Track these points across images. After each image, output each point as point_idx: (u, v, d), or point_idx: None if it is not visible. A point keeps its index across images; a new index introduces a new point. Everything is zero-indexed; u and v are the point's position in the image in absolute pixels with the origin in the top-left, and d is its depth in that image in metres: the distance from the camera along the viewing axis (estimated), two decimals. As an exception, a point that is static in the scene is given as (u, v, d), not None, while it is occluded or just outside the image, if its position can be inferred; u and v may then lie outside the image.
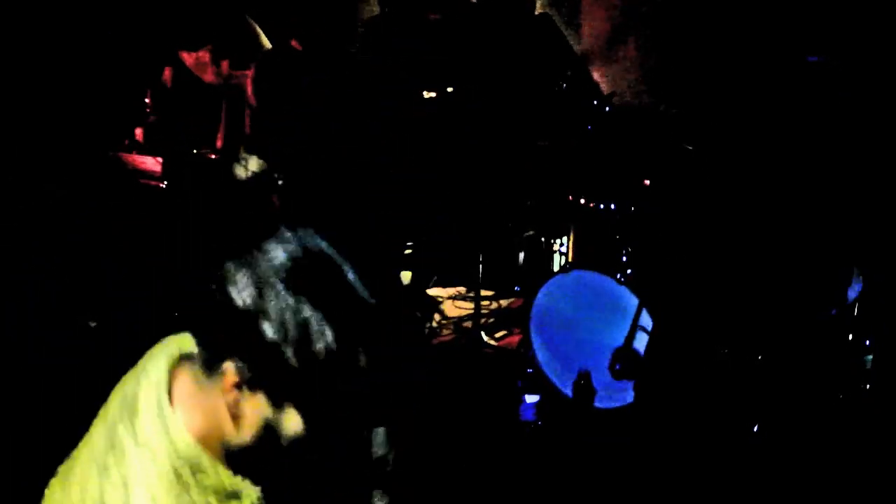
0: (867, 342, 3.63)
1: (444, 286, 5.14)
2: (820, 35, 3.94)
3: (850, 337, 3.62)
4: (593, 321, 3.88)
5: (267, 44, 4.33)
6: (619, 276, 3.81)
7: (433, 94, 4.64)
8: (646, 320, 3.72)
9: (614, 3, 4.66)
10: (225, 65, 4.22)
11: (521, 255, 5.02)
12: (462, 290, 5.09)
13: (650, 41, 4.63)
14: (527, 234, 4.93)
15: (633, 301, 3.73)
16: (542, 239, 4.73)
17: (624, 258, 3.94)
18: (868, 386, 3.59)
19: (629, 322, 3.73)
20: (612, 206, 4.08)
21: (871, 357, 3.60)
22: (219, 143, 4.29)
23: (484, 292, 4.70)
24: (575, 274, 3.95)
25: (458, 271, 5.02)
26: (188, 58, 4.27)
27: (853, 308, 3.63)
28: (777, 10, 4.12)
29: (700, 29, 4.38)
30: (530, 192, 4.71)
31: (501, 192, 4.80)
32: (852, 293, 3.56)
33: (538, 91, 4.54)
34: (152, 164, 4.12)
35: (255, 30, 4.37)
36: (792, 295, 3.59)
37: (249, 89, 4.01)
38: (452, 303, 4.98)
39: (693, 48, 4.43)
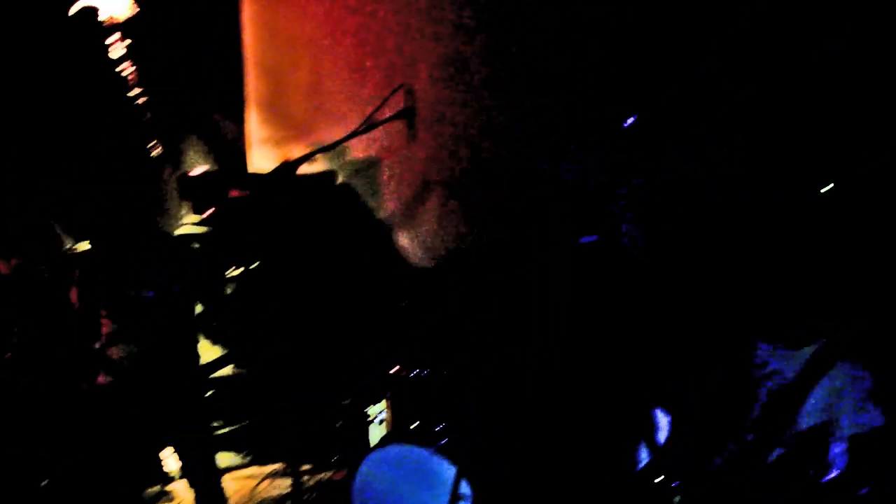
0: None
1: (262, 463, 4.95)
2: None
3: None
4: (413, 494, 3.83)
5: None
6: (436, 445, 3.81)
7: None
8: (464, 489, 3.72)
9: (414, 174, 4.85)
10: None
11: (339, 423, 4.92)
12: (280, 466, 4.91)
13: (452, 206, 4.83)
14: (344, 402, 4.86)
15: (451, 471, 3.72)
16: (360, 407, 4.68)
17: (440, 426, 3.95)
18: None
19: (448, 492, 3.72)
20: (426, 372, 4.12)
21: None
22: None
23: (303, 466, 4.56)
24: (392, 448, 3.91)
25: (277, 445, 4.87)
26: None
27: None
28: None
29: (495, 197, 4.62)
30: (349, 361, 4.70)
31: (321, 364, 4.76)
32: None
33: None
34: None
35: None
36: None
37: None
38: (270, 481, 4.78)
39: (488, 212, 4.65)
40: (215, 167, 5.26)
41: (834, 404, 2.72)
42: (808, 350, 2.84)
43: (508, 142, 4.60)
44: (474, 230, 4.66)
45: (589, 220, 4.22)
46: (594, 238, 4.31)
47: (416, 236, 4.86)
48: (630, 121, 4.38)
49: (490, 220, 4.60)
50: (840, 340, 2.82)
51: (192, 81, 5.21)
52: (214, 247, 4.97)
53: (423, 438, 3.89)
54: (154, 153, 5.14)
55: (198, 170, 5.17)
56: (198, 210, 4.91)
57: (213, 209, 4.78)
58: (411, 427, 4.19)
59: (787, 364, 2.86)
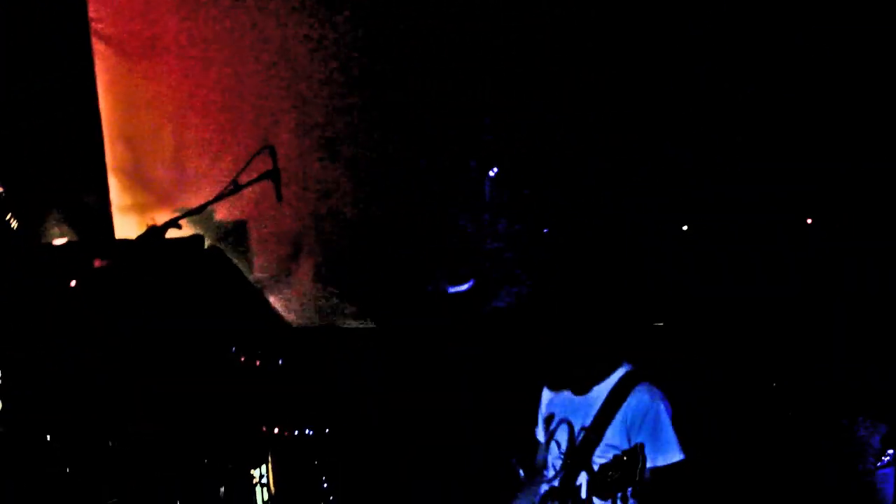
0: None
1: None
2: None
3: None
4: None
5: None
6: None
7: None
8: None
9: (282, 235, 4.89)
10: None
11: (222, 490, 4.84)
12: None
13: (318, 267, 4.89)
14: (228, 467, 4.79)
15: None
16: (244, 470, 4.62)
17: (325, 484, 3.97)
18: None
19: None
20: (309, 432, 4.14)
21: None
22: None
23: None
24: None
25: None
26: None
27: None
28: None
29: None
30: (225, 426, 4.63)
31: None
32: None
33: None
34: None
35: None
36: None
37: None
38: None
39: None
40: (77, 237, 5.14)
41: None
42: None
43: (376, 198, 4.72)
44: (345, 289, 4.74)
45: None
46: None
47: (288, 297, 4.89)
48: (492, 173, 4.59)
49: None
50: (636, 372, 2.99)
51: (48, 152, 5.09)
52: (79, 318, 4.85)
53: (309, 499, 3.90)
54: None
55: (59, 240, 5.05)
56: (61, 281, 4.79)
57: (75, 280, 4.67)
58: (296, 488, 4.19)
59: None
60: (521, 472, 3.26)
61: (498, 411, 4.24)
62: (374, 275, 4.69)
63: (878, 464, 3.24)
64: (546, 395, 3.21)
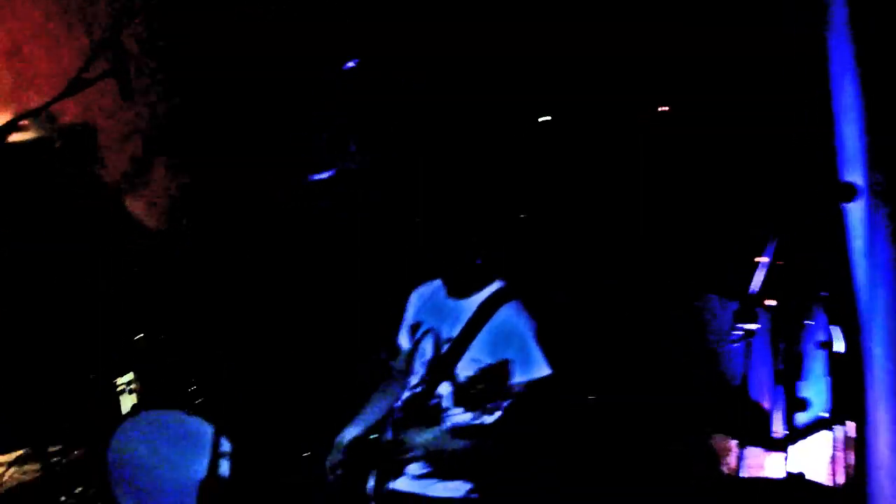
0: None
1: (4, 451, 4.67)
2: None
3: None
4: (173, 459, 3.83)
5: None
6: (191, 406, 3.82)
7: None
8: (225, 445, 3.76)
9: (134, 135, 4.68)
10: None
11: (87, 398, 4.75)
12: (26, 450, 4.66)
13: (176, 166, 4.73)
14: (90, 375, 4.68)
15: (209, 429, 3.75)
16: (108, 378, 4.54)
17: (194, 386, 3.96)
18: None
19: (209, 450, 3.74)
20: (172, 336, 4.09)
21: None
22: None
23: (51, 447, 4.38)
24: (145, 415, 3.88)
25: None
26: None
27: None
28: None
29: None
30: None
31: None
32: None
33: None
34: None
35: None
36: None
37: None
38: (17, 468, 4.55)
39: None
40: None
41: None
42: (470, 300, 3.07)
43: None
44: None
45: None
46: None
47: (146, 200, 4.72)
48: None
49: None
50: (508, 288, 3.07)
51: None
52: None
53: (176, 402, 3.88)
54: None
55: None
56: None
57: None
58: (162, 392, 4.16)
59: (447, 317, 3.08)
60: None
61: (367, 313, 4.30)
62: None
63: (729, 338, 3.47)
64: (414, 301, 3.26)
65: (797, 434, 3.96)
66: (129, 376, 4.40)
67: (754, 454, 3.97)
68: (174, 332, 4.17)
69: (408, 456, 2.95)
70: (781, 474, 3.87)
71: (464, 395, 2.88)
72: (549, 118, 4.54)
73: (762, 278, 3.47)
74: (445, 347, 2.99)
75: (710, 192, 4.29)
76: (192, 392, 3.90)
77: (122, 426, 3.85)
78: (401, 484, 3.01)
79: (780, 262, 3.51)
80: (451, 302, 3.09)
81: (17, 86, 4.54)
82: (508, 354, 2.87)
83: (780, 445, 3.95)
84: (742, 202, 4.17)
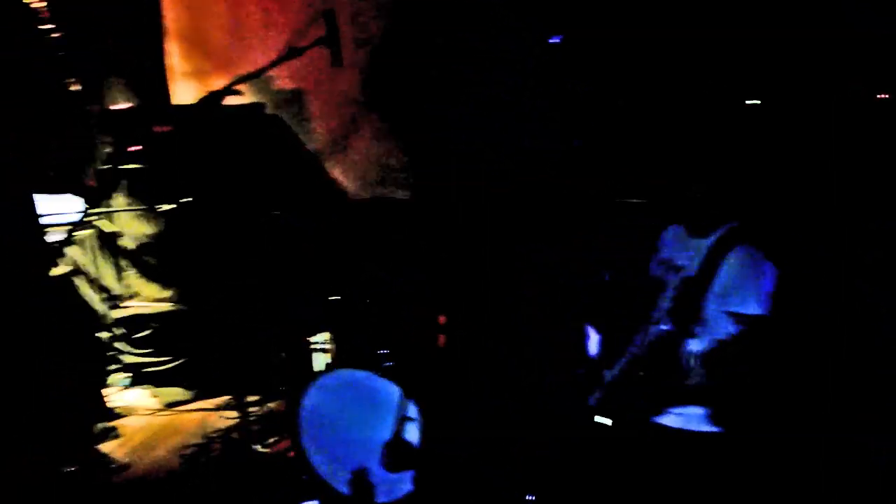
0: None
1: (209, 397, 4.99)
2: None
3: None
4: (361, 418, 3.92)
5: None
6: (381, 368, 3.89)
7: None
8: (411, 409, 3.82)
9: (343, 102, 4.79)
10: None
11: (283, 355, 4.97)
12: (228, 398, 4.95)
13: (380, 134, 4.80)
14: (288, 332, 4.89)
15: (396, 392, 3.82)
16: (303, 336, 4.72)
17: (384, 350, 4.02)
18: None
19: (395, 414, 3.82)
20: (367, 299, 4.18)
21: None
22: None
23: (250, 398, 4.61)
24: (337, 374, 3.98)
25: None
26: None
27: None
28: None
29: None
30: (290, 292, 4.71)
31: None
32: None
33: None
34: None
35: None
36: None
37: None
38: (219, 414, 4.83)
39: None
40: (137, 102, 5.13)
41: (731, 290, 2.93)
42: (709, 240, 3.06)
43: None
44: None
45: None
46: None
47: (348, 167, 4.84)
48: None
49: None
50: (739, 230, 3.04)
51: (106, 15, 5.03)
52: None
53: (367, 363, 3.96)
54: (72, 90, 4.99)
55: (120, 105, 5.05)
56: (122, 147, 4.81)
57: (140, 145, 4.68)
58: (355, 353, 4.26)
59: (692, 256, 3.08)
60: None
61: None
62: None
63: None
64: (667, 237, 3.34)
65: None
66: (325, 335, 4.55)
67: None
68: (373, 296, 4.26)
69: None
70: None
71: (717, 359, 2.88)
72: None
73: None
74: (688, 284, 3.03)
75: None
76: (384, 355, 3.96)
77: (315, 383, 3.97)
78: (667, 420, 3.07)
79: None
80: (692, 241, 3.15)
81: (237, 52, 4.77)
82: (744, 291, 2.90)
83: None
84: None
